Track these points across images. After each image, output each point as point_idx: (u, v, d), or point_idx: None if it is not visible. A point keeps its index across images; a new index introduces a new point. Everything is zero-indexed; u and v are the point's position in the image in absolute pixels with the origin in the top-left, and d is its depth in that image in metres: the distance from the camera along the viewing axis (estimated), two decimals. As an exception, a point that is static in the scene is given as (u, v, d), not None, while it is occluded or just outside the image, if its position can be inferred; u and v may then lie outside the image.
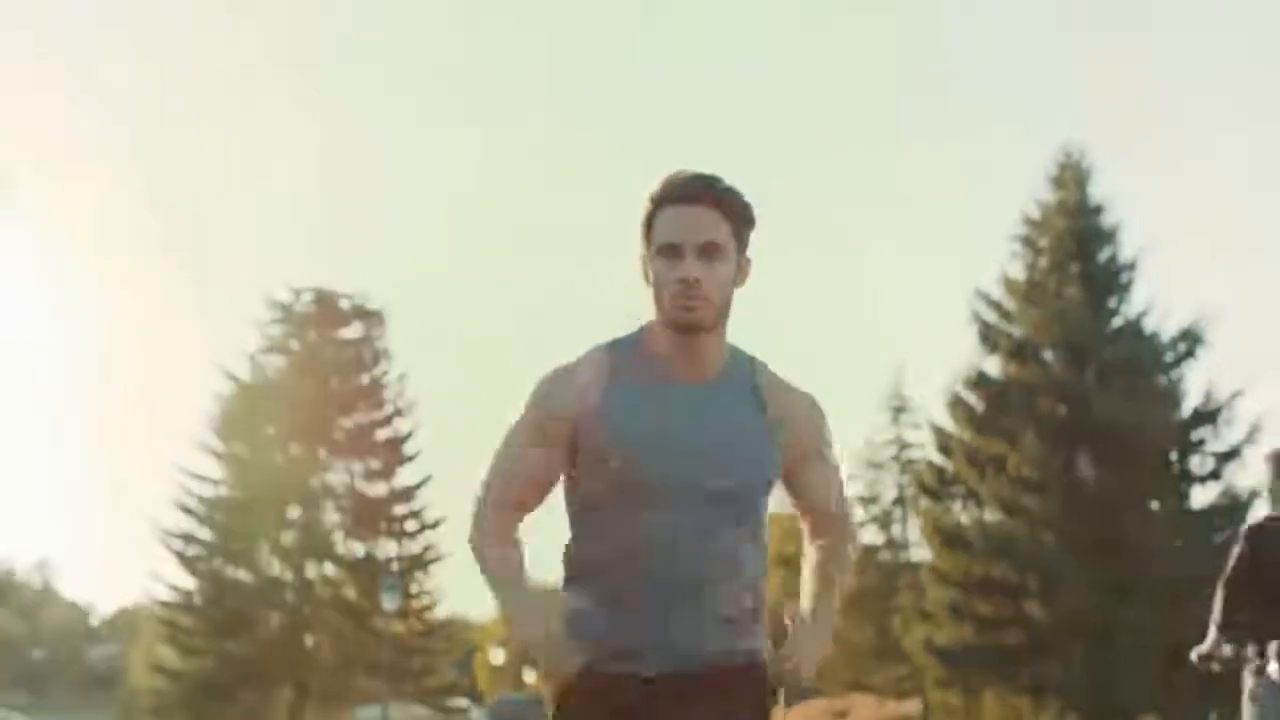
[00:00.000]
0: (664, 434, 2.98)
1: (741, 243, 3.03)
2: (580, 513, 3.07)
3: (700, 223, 2.95)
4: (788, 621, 3.10)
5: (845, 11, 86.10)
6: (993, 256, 33.94)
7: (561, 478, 3.10)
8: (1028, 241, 32.17)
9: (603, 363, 3.05)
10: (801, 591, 3.24)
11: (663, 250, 2.97)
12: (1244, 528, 6.34)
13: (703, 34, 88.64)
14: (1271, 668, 5.94)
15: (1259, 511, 9.26)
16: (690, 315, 2.95)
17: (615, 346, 3.09)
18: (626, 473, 2.97)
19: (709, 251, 2.95)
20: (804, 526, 3.31)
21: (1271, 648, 5.96)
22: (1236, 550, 6.22)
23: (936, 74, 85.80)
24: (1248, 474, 30.03)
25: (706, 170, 3.04)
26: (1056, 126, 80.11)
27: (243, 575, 39.42)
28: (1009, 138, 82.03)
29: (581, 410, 3.00)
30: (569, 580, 3.10)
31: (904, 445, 42.56)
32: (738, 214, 3.00)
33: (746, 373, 3.09)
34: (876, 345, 76.75)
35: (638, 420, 2.98)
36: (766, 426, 3.05)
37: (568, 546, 3.11)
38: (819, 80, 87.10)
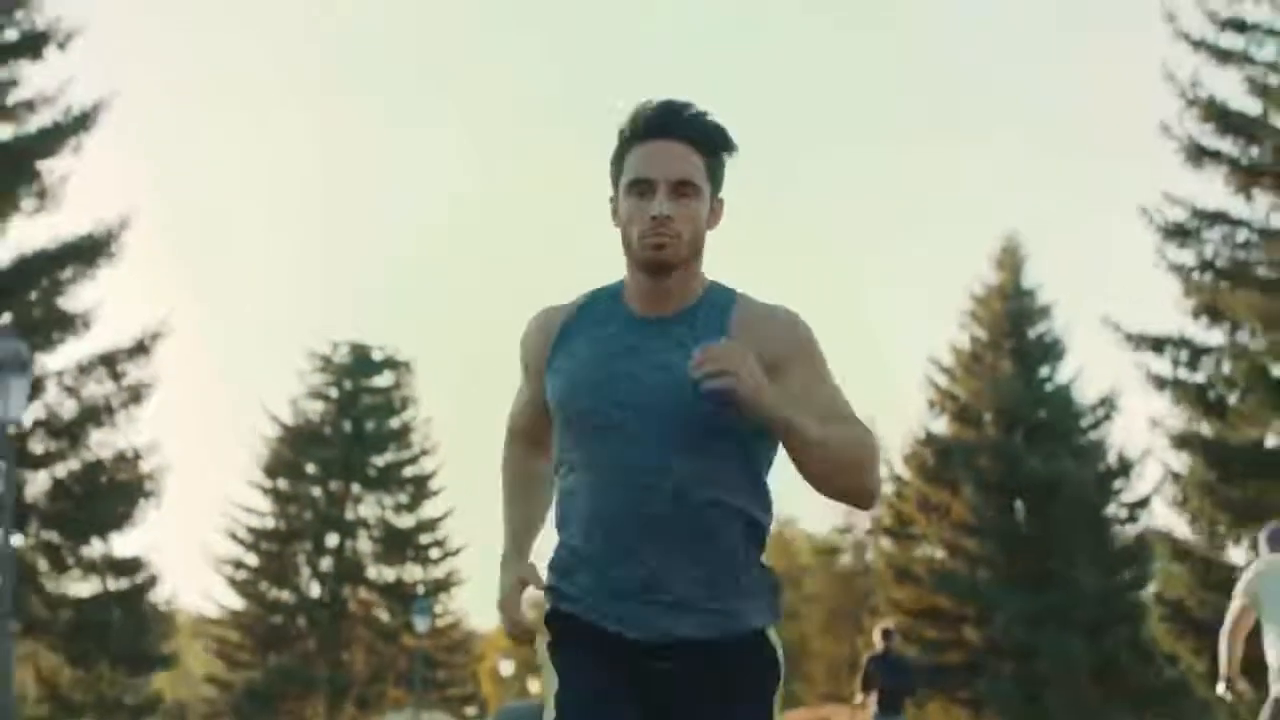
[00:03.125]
0: (607, 366, 2.91)
1: (716, 177, 2.93)
2: (555, 453, 3.04)
3: (672, 158, 2.86)
4: None
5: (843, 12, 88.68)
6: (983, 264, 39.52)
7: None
8: (973, 315, 38.42)
9: (574, 305, 3.03)
10: None
11: (632, 187, 2.88)
12: (869, 656, 14.11)
13: (702, 35, 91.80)
14: (873, 709, 13.75)
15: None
16: (660, 254, 2.85)
17: (596, 291, 3.05)
18: (569, 406, 2.93)
19: (681, 189, 2.86)
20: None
21: (872, 697, 13.84)
22: (866, 664, 14.02)
23: (933, 82, 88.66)
24: (1156, 520, 36.38)
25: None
26: (1055, 134, 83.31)
27: (285, 596, 43.87)
28: (1008, 145, 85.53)
29: (545, 349, 3.01)
30: (556, 527, 3.03)
31: (876, 481, 48.76)
32: (712, 146, 2.91)
33: (725, 302, 2.95)
34: (862, 378, 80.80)
35: (582, 355, 2.94)
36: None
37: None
38: (818, 87, 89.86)
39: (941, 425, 37.72)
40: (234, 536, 43.88)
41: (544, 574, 3.01)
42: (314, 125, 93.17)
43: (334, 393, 45.42)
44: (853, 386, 2.95)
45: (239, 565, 43.90)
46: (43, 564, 21.97)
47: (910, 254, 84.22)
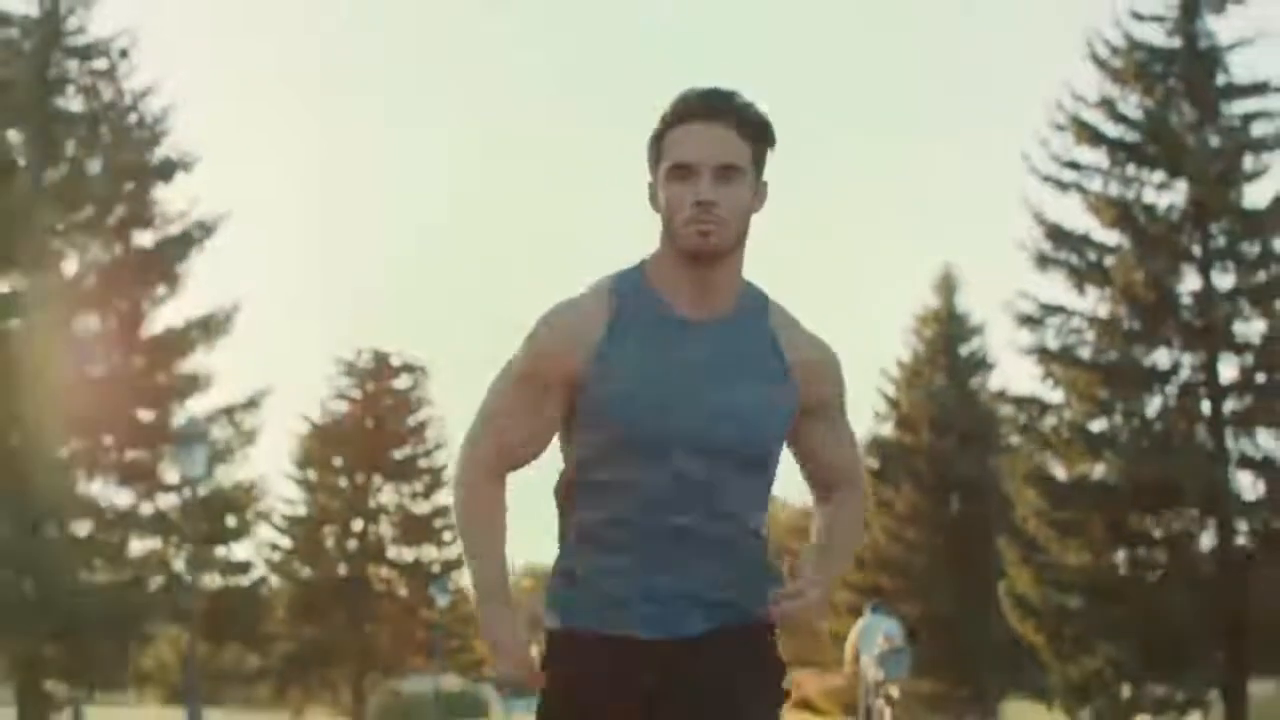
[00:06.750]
0: (668, 384, 2.92)
1: (759, 165, 2.96)
2: (579, 467, 3.03)
3: (717, 142, 2.89)
4: (787, 574, 2.97)
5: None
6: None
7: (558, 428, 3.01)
8: (915, 332, 46.64)
9: (604, 303, 2.97)
10: (805, 549, 3.12)
11: (675, 171, 2.89)
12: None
13: (701, 34, 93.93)
14: None
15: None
16: (705, 240, 2.86)
17: (619, 282, 3.00)
18: (627, 426, 2.92)
19: (726, 174, 2.89)
20: (814, 489, 3.19)
21: None
22: None
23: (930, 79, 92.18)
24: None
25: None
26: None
27: (316, 575, 49.75)
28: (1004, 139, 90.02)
29: (578, 358, 2.94)
30: (568, 535, 3.06)
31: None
32: (757, 133, 2.94)
33: (762, 310, 3.02)
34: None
35: (640, 370, 2.92)
36: (784, 373, 2.98)
37: (565, 503, 3.07)
38: (824, 85, 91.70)
39: (888, 430, 46.07)
40: (270, 522, 48.43)
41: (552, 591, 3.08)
42: (319, 128, 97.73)
43: (358, 394, 51.54)
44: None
45: (274, 548, 49.72)
46: (180, 565, 30.17)
47: (907, 251, 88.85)
